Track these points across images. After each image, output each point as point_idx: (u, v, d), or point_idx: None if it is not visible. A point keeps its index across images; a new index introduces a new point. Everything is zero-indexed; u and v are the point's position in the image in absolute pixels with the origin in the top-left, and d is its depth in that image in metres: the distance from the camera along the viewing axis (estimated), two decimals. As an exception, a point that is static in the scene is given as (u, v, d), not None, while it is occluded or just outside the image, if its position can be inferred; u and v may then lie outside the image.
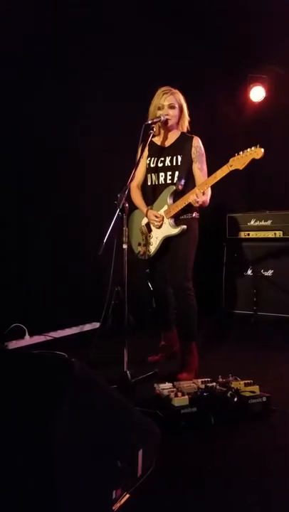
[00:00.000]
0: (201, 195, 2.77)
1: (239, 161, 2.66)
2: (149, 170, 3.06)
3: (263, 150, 2.60)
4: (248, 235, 4.86)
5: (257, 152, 2.62)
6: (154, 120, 2.89)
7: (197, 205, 2.81)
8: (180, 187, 2.92)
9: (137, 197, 3.12)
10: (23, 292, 3.70)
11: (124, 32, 4.24)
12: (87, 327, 4.13)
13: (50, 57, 3.81)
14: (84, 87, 4.03)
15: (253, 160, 2.64)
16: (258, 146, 2.62)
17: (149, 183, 3.08)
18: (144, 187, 3.15)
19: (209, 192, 2.91)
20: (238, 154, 2.68)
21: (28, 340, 3.60)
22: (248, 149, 2.64)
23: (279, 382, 2.69)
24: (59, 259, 3.99)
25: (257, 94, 5.37)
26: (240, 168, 2.67)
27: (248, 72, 5.37)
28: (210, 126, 4.87)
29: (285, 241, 4.65)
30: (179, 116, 2.99)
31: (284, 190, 5.38)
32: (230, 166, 2.69)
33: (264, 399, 2.27)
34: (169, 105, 2.92)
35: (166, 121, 2.93)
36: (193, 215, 2.99)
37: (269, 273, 4.64)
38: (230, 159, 2.70)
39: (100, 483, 1.40)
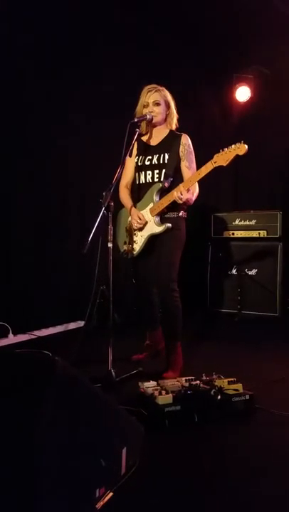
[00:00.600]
0: (185, 192, 2.74)
1: (223, 158, 2.65)
2: (137, 168, 3.05)
3: (246, 146, 2.59)
4: (233, 234, 4.90)
5: (241, 148, 2.61)
6: (140, 118, 2.87)
7: (181, 202, 2.76)
8: (166, 185, 2.89)
9: (124, 196, 3.10)
10: (6, 291, 3.66)
11: (109, 30, 4.23)
12: (72, 326, 4.12)
13: (35, 56, 3.77)
14: (70, 85, 4.00)
15: (237, 156, 2.63)
16: (242, 142, 2.61)
17: (137, 182, 3.06)
18: (132, 186, 3.13)
19: (197, 190, 2.90)
20: (222, 150, 2.66)
21: (11, 339, 3.57)
22: (232, 146, 2.63)
23: (262, 380, 2.72)
24: (43, 258, 3.97)
25: (242, 94, 5.41)
26: (224, 165, 2.65)
27: (234, 72, 5.41)
28: (196, 126, 4.90)
29: (268, 240, 4.70)
30: (166, 113, 2.98)
31: (269, 190, 5.44)
32: (215, 162, 2.68)
33: (247, 397, 2.28)
34: (154, 102, 2.91)
35: (151, 119, 2.92)
36: (180, 213, 2.96)
37: (253, 272, 4.68)
38: (215, 156, 2.69)
39: (83, 481, 1.40)
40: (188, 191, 2.78)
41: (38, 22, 3.71)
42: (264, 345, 3.68)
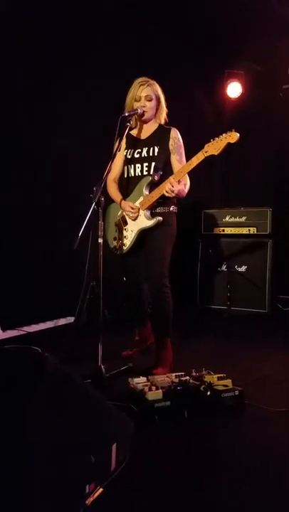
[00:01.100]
0: (176, 184, 2.70)
1: (214, 147, 2.61)
2: (126, 162, 3.01)
3: (238, 134, 2.55)
4: (223, 231, 4.92)
5: (232, 136, 2.57)
6: (131, 113, 2.84)
7: (173, 194, 2.71)
8: (156, 178, 2.86)
9: (112, 190, 3.06)
10: (-5, 286, 3.64)
11: (101, 25, 4.19)
12: (62, 322, 4.10)
13: (28, 56, 3.73)
14: (63, 81, 3.96)
15: (229, 144, 2.58)
16: (233, 130, 2.57)
17: (125, 175, 3.03)
18: (121, 180, 3.10)
19: (188, 183, 2.87)
20: (213, 140, 2.63)
21: (1, 334, 3.55)
22: (223, 134, 2.60)
23: (252, 375, 2.73)
24: (33, 253, 3.94)
25: (234, 90, 5.41)
26: (216, 154, 2.61)
27: (226, 67, 5.41)
28: (187, 121, 4.89)
29: (258, 237, 4.72)
30: (157, 107, 2.96)
31: (259, 186, 5.46)
32: (206, 152, 2.64)
33: (237, 392, 2.29)
34: (146, 97, 2.87)
35: (142, 114, 2.89)
36: (171, 208, 2.93)
37: (243, 269, 4.70)
38: (205, 145, 2.65)
39: (73, 477, 1.40)
40: (180, 183, 2.74)
41: (37, 21, 3.68)
42: (253, 342, 3.70)
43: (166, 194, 2.73)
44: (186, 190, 2.85)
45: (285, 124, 5.23)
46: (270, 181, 5.46)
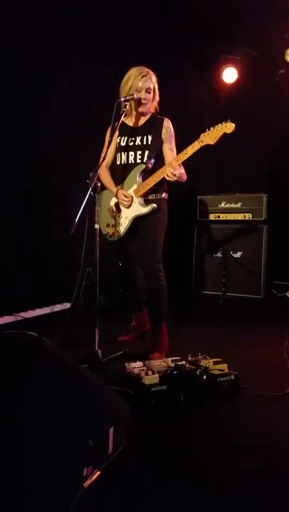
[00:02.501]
0: (178, 167, 2.72)
1: (210, 136, 2.64)
2: (119, 149, 3.01)
3: (233, 125, 2.58)
4: (218, 217, 4.92)
5: (228, 127, 2.60)
6: (127, 98, 2.80)
7: (175, 178, 2.72)
8: (150, 165, 2.89)
9: (105, 177, 3.06)
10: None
11: (92, 12, 4.11)
12: (58, 307, 4.11)
13: (14, 43, 3.66)
14: (51, 68, 3.91)
15: (225, 134, 2.60)
16: (229, 120, 2.60)
17: (118, 163, 3.03)
18: (112, 167, 3.10)
19: (183, 169, 2.88)
20: (209, 129, 2.65)
21: (-3, 320, 3.56)
22: (219, 124, 2.62)
23: (247, 360, 2.76)
24: (30, 239, 3.93)
25: (229, 75, 5.37)
26: (212, 143, 2.64)
27: (221, 53, 5.35)
28: (183, 107, 4.86)
29: (253, 223, 4.73)
30: (153, 98, 2.95)
31: (254, 172, 5.45)
32: (201, 141, 2.66)
33: (232, 377, 2.32)
34: (147, 89, 2.85)
35: (140, 103, 2.87)
36: (162, 195, 2.97)
37: (238, 255, 4.72)
38: (201, 135, 2.67)
39: (70, 460, 1.41)
40: (180, 167, 2.76)
41: (19, 12, 3.58)
42: (248, 327, 3.72)
43: (168, 178, 2.75)
44: (185, 176, 2.85)
45: (281, 109, 5.21)
46: (265, 167, 5.46)
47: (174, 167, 2.71)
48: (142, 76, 2.83)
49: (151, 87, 2.88)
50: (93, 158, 2.75)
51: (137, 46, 4.26)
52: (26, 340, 1.44)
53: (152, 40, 4.53)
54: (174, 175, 2.72)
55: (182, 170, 2.78)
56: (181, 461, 1.74)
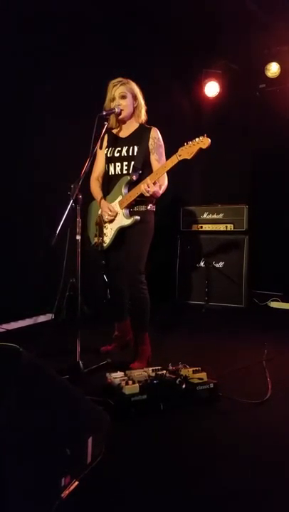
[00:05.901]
0: (152, 185, 2.76)
1: (187, 151, 2.69)
2: (107, 160, 3.06)
3: (209, 140, 2.63)
4: (201, 227, 4.99)
5: (204, 142, 2.65)
6: (108, 112, 2.88)
7: (148, 194, 2.78)
8: (134, 177, 2.91)
9: (95, 188, 3.11)
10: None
11: (76, 24, 4.18)
12: (41, 318, 4.11)
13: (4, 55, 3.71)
14: (37, 78, 3.95)
15: (201, 150, 2.65)
16: (205, 135, 2.65)
17: (109, 174, 3.07)
18: (104, 177, 3.14)
19: (165, 183, 2.92)
20: (187, 144, 2.70)
21: (-21, 332, 3.55)
22: (196, 139, 2.67)
23: (227, 368, 2.80)
24: (12, 250, 3.94)
25: (211, 89, 5.47)
26: (189, 158, 2.69)
27: (203, 67, 5.46)
28: (165, 120, 4.91)
29: (235, 234, 4.81)
30: (134, 105, 2.99)
31: (236, 184, 5.55)
32: (179, 155, 2.71)
33: (211, 385, 2.36)
34: (120, 95, 2.91)
35: (120, 112, 2.92)
36: (148, 207, 2.99)
37: (220, 265, 4.78)
38: (179, 149, 2.72)
39: (48, 470, 1.43)
40: (155, 184, 2.80)
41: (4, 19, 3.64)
42: (229, 336, 3.78)
43: (144, 193, 2.80)
44: (161, 192, 2.89)
45: (262, 123, 5.32)
46: (246, 179, 5.55)
47: (148, 184, 2.76)
48: (114, 86, 2.92)
49: (126, 93, 2.93)
50: (77, 168, 2.78)
51: (121, 61, 4.32)
52: (5, 352, 1.45)
53: (135, 54, 4.60)
54: (148, 191, 2.77)
55: (156, 188, 2.80)
56: (161, 470, 1.75)
